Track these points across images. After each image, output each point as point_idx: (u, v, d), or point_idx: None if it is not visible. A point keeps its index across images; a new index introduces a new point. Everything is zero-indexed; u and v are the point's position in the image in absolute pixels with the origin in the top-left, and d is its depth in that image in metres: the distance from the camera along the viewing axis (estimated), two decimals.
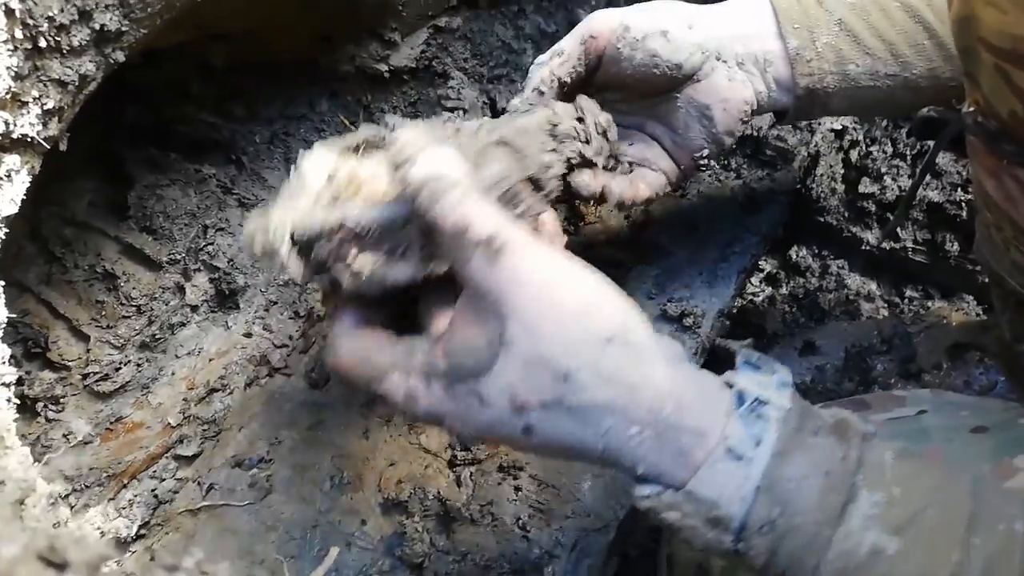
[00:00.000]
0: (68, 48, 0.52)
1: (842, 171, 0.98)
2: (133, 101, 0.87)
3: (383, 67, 0.88)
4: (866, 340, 0.92)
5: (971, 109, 0.50)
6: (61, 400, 0.75)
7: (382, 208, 0.48)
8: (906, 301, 1.01)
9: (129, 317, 0.80)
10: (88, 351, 0.77)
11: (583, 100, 0.60)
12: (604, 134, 0.60)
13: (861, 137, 0.98)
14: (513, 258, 0.43)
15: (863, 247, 0.98)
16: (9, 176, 0.51)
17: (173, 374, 0.77)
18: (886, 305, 1.01)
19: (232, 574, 0.63)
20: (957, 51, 0.49)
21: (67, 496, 0.69)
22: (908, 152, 0.96)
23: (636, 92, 0.67)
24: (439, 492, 0.67)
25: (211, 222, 0.85)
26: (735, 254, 0.82)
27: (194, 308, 0.81)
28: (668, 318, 0.77)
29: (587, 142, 0.58)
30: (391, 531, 0.66)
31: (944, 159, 0.94)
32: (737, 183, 0.89)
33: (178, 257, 0.82)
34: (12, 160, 0.51)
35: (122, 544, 0.66)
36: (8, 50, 0.48)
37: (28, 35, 0.49)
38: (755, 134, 0.90)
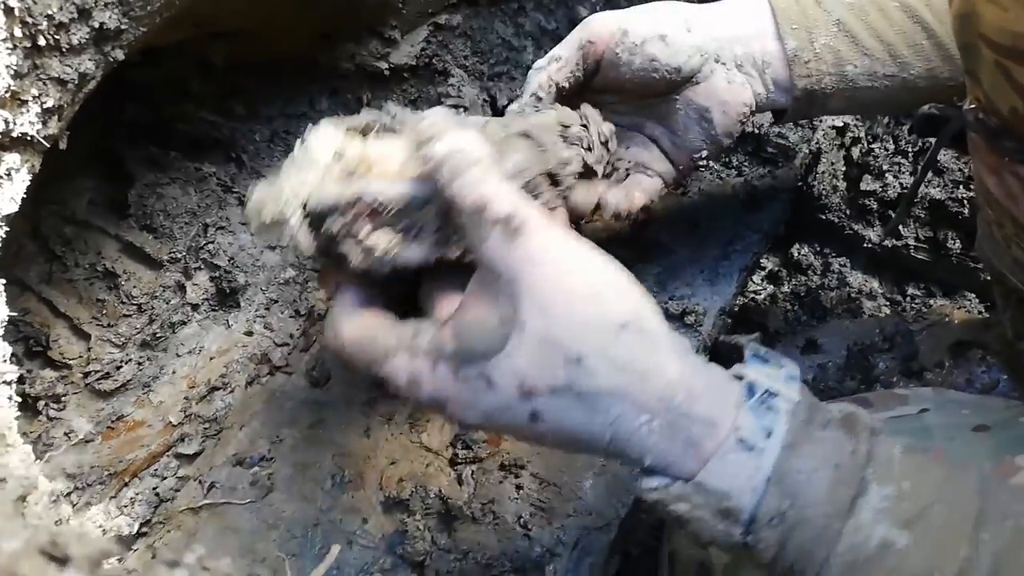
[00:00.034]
0: (67, 46, 0.52)
1: (844, 168, 0.98)
2: (133, 99, 0.87)
3: (383, 65, 0.88)
4: (868, 338, 0.92)
5: (972, 106, 0.50)
6: (62, 398, 0.75)
7: (403, 184, 0.48)
8: (908, 299, 1.00)
9: (130, 315, 0.80)
10: (89, 350, 0.77)
11: (587, 109, 0.60)
12: (605, 144, 0.61)
13: (863, 134, 0.97)
14: (531, 239, 0.42)
15: (865, 245, 0.98)
16: (9, 175, 0.51)
17: (174, 372, 0.77)
18: (888, 303, 1.01)
19: (234, 572, 0.63)
20: (958, 48, 0.49)
21: (69, 494, 0.69)
22: (910, 149, 0.95)
23: (635, 95, 0.67)
24: (440, 490, 0.67)
25: (211, 220, 0.85)
26: (736, 252, 0.82)
27: (195, 306, 0.81)
28: (669, 316, 0.77)
29: (590, 149, 0.58)
30: (392, 529, 0.66)
31: (946, 156, 0.94)
32: (738, 181, 0.89)
33: (179, 255, 0.82)
34: (12, 159, 0.51)
35: (125, 541, 0.66)
36: (7, 48, 0.48)
37: (27, 33, 0.49)
38: (756, 132, 0.89)
